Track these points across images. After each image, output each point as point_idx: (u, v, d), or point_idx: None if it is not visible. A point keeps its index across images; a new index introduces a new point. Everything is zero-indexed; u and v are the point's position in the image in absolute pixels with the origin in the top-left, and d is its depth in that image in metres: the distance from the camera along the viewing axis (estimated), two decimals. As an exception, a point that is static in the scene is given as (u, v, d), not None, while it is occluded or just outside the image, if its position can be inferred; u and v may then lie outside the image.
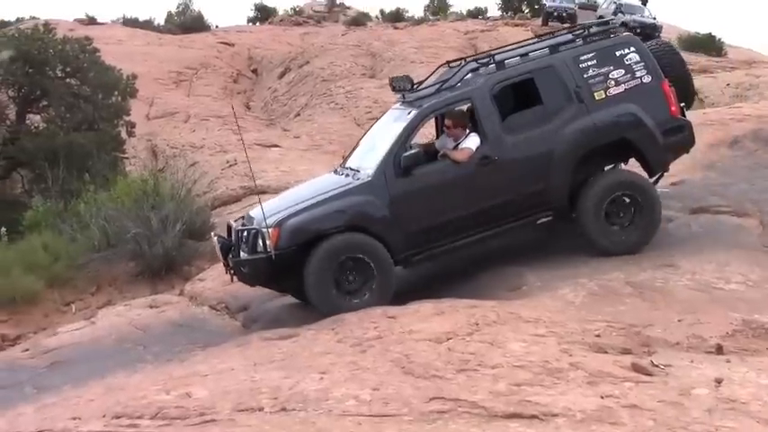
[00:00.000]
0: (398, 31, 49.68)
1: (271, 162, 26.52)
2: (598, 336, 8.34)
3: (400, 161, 11.17)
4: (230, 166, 27.13)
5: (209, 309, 13.25)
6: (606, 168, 12.03)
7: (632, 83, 11.65)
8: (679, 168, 13.42)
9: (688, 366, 7.55)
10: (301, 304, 12.30)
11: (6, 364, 12.97)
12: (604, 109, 11.53)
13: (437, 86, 12.17)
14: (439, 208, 11.30)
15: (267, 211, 11.26)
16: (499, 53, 12.38)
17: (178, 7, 69.49)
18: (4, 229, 21.56)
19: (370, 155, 11.90)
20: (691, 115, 12.92)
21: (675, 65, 12.56)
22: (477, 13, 66.21)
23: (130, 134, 32.27)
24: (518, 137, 11.49)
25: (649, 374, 7.29)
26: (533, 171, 11.39)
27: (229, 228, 12.11)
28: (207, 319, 13.07)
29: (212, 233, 12.42)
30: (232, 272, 11.68)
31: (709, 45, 46.49)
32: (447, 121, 11.88)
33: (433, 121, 12.69)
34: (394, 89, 12.43)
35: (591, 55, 11.70)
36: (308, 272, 10.81)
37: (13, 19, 61.95)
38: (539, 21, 50.98)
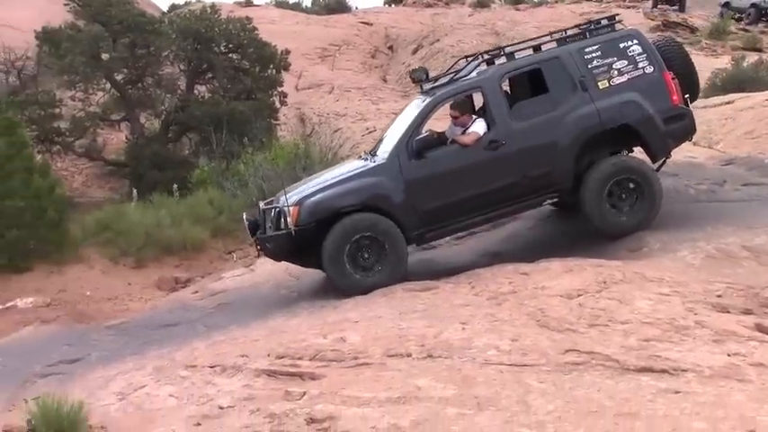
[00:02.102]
0: (520, 13, 48.98)
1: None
2: (719, 296, 8.01)
3: (413, 145, 10.99)
4: (369, 132, 27.10)
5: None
6: (610, 154, 11.59)
7: (635, 73, 11.28)
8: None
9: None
10: (435, 258, 12.14)
11: (180, 304, 13.16)
12: (607, 97, 11.16)
13: (450, 77, 11.93)
14: (450, 189, 10.99)
15: (292, 193, 11.26)
16: (510, 47, 12.12)
17: (324, -9, 69.53)
18: (175, 185, 21.83)
19: (388, 141, 11.68)
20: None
21: (680, 59, 12.16)
22: (592, -5, 64.93)
23: (283, 103, 32.46)
24: (525, 123, 11.18)
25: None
26: (539, 155, 11.07)
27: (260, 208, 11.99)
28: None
29: (244, 213, 12.25)
30: (258, 247, 11.59)
31: None
32: (453, 111, 11.58)
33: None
34: (413, 81, 12.31)
35: (596, 47, 11.36)
36: (325, 249, 10.65)
37: (182, 2, 62.93)
38: (648, 3, 49.54)
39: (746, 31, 41.50)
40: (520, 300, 8.33)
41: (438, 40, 43.33)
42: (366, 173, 11.26)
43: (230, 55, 32.25)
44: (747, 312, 7.66)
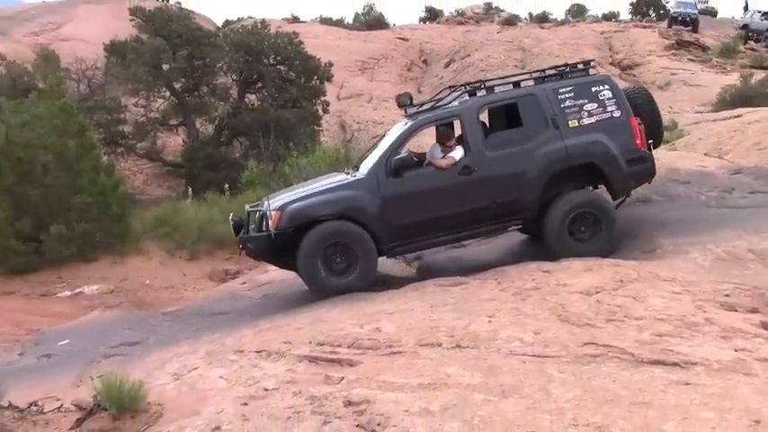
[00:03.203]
0: (544, 31, 48.88)
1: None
2: (727, 295, 7.92)
3: (392, 163, 10.95)
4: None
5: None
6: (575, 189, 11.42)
7: (603, 116, 11.15)
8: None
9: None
10: (464, 256, 12.11)
11: (230, 294, 13.23)
12: (576, 136, 11.03)
13: (432, 104, 11.96)
14: (422, 207, 10.91)
15: (276, 199, 11.26)
16: (491, 81, 12.13)
17: (364, 9, 69.80)
18: (227, 185, 21.93)
19: (371, 158, 11.58)
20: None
21: (648, 106, 12.06)
22: (610, 17, 64.65)
23: (325, 111, 32.65)
24: (498, 152, 11.07)
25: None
26: (508, 183, 10.95)
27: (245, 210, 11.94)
28: (387, 267, 12.95)
29: (231, 214, 12.22)
30: (241, 246, 11.49)
31: None
32: (442, 137, 11.55)
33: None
34: (399, 105, 12.21)
35: (569, 88, 11.26)
36: (301, 252, 10.59)
37: (235, 18, 63.25)
38: (664, 23, 49.22)
39: (754, 50, 41.18)
40: (542, 295, 8.28)
41: (469, 54, 43.35)
42: (345, 186, 11.21)
43: (278, 66, 32.48)
44: (754, 311, 7.55)
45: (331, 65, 33.31)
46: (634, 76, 38.28)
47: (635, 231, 11.79)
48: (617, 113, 11.15)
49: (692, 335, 6.72)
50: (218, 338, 9.13)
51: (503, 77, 13.11)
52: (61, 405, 6.62)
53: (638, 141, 11.11)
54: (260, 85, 32.86)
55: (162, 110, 33.15)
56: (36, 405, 6.60)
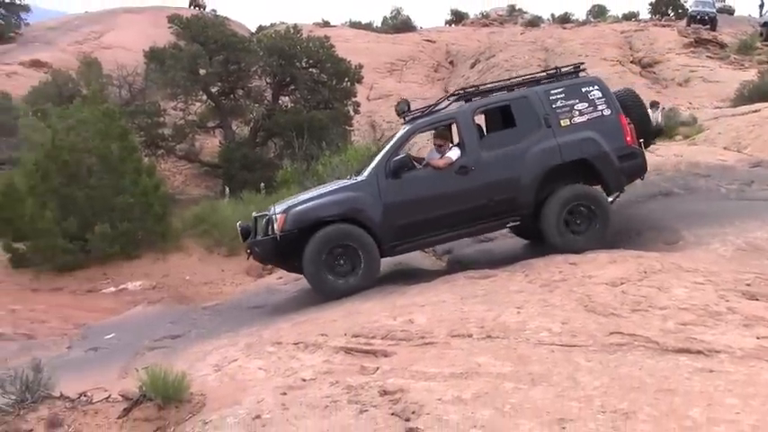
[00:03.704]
0: (567, 31, 48.56)
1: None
2: (749, 285, 7.82)
3: (391, 165, 10.91)
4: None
5: (420, 251, 13.08)
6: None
7: (594, 114, 11.16)
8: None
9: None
10: (493, 249, 12.06)
11: (267, 288, 13.25)
12: (568, 134, 11.03)
13: (430, 108, 11.99)
14: (421, 207, 10.89)
15: (281, 204, 11.30)
16: (485, 85, 12.16)
17: (391, 13, 69.52)
18: (262, 184, 21.99)
19: (373, 162, 11.53)
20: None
21: (637, 108, 12.09)
22: (630, 16, 64.09)
23: (356, 112, 32.70)
24: (493, 152, 11.06)
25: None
26: (504, 182, 10.93)
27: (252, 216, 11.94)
28: (418, 261, 12.96)
29: (238, 222, 12.21)
30: (249, 251, 11.50)
31: None
32: (436, 140, 11.57)
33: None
34: (398, 113, 12.25)
35: (560, 90, 11.28)
36: (305, 255, 10.58)
37: (268, 23, 63.41)
38: (683, 22, 48.79)
39: (772, 47, 40.78)
40: (569, 287, 8.23)
41: (494, 55, 43.18)
42: (347, 188, 11.24)
43: (310, 69, 32.54)
44: (774, 300, 7.50)
45: (361, 67, 33.33)
46: (654, 73, 38.00)
47: (658, 224, 11.73)
48: (607, 112, 11.15)
49: (715, 323, 6.66)
50: (256, 331, 9.16)
51: (496, 82, 13.12)
52: (109, 396, 6.65)
53: (628, 138, 11.10)
54: (293, 87, 32.95)
55: (199, 113, 33.35)
56: (85, 396, 6.63)
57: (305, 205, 10.95)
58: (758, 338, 6.18)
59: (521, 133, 11.09)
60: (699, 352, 6.01)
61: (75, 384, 7.11)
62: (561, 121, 11.06)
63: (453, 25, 68.30)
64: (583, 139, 10.96)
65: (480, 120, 12.09)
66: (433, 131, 11.66)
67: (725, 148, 18.71)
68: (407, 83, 42.99)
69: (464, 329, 7.18)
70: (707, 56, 39.29)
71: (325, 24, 59.56)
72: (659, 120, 24.17)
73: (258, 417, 5.78)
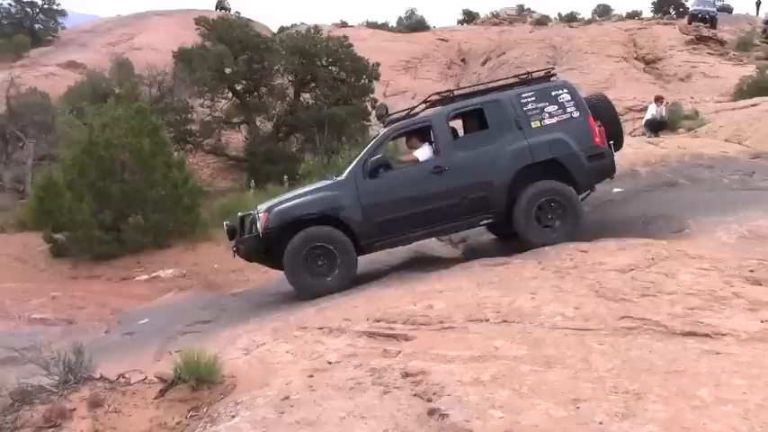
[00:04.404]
0: (573, 30, 48.25)
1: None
2: (752, 271, 7.75)
3: (368, 165, 10.88)
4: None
5: (437, 239, 13.07)
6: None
7: (563, 116, 11.07)
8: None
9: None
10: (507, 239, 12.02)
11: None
12: (538, 135, 10.95)
13: (407, 112, 12.05)
14: (398, 205, 10.84)
15: (265, 203, 11.30)
16: (460, 90, 12.16)
17: (406, 13, 69.26)
18: (285, 177, 21.98)
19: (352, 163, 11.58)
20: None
21: (607, 111, 11.91)
22: (634, 15, 63.75)
23: (374, 107, 32.52)
24: (466, 153, 11.02)
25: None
26: (477, 181, 10.87)
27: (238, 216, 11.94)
28: (435, 249, 12.95)
29: (225, 222, 12.20)
30: (234, 249, 11.49)
31: None
32: (407, 142, 11.79)
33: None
34: (377, 117, 12.44)
35: (531, 93, 11.22)
36: (285, 255, 10.57)
37: (288, 24, 63.40)
38: (684, 21, 48.45)
39: (768, 43, 40.53)
40: (581, 273, 8.20)
41: (504, 53, 43.03)
42: (326, 188, 11.22)
43: (330, 68, 32.50)
44: (777, 285, 7.45)
45: (378, 65, 33.24)
46: (657, 69, 37.82)
47: (664, 213, 11.67)
48: (576, 114, 11.07)
49: (720, 308, 6.63)
50: (282, 316, 9.16)
51: (472, 86, 13.17)
52: (145, 377, 6.67)
53: (597, 139, 11.00)
54: (314, 85, 32.91)
55: (225, 109, 33.37)
56: (124, 377, 6.66)
57: (286, 204, 10.96)
58: (762, 322, 6.15)
59: (493, 135, 11.04)
60: (706, 335, 5.99)
61: (114, 366, 7.15)
62: (532, 123, 10.99)
63: (465, 24, 68.02)
64: (552, 139, 10.89)
65: (460, 123, 12.10)
66: (407, 135, 11.68)
67: (726, 141, 18.63)
68: (422, 80, 42.86)
69: (481, 314, 7.17)
70: (707, 52, 39.06)
71: (344, 25, 59.43)
72: (663, 114, 24.09)
73: (287, 398, 5.79)
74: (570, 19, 63.58)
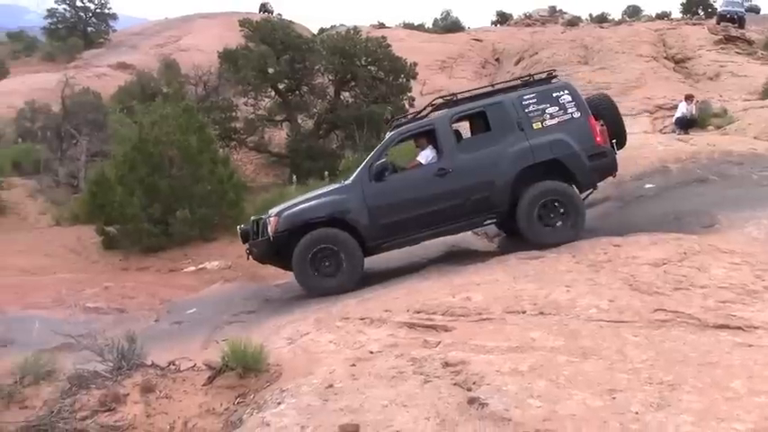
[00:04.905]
0: (604, 30, 47.63)
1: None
2: (783, 265, 7.67)
3: (374, 169, 10.84)
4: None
5: (473, 233, 13.01)
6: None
7: (564, 117, 10.91)
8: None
9: None
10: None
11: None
12: (540, 136, 10.81)
13: (412, 116, 12.03)
14: (403, 207, 10.80)
15: (277, 207, 11.35)
16: (463, 93, 11.87)
17: (441, 14, 69.35)
18: (326, 172, 22.04)
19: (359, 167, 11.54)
20: None
21: (610, 111, 11.70)
22: (663, 16, 63.06)
23: (411, 106, 32.46)
24: (470, 155, 10.94)
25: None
26: (480, 182, 10.78)
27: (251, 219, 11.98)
28: (471, 242, 12.89)
29: (239, 225, 12.23)
30: (248, 252, 11.54)
31: None
32: (415, 143, 11.77)
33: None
34: (385, 122, 12.23)
35: (533, 95, 11.08)
36: (294, 256, 10.61)
37: (328, 26, 63.51)
38: (712, 21, 47.79)
39: (794, 43, 39.89)
40: (614, 267, 8.14)
41: (536, 53, 42.67)
42: (334, 192, 11.26)
43: (369, 67, 32.52)
44: (808, 279, 7.34)
45: (415, 64, 33.21)
46: (687, 68, 37.32)
47: (695, 208, 11.54)
48: (576, 115, 10.93)
49: (752, 301, 6.58)
50: (324, 307, 9.18)
51: (474, 89, 13.00)
52: (194, 365, 6.73)
53: (598, 139, 10.86)
54: (353, 83, 32.94)
55: (268, 108, 33.52)
56: (174, 364, 6.72)
57: (296, 208, 11.02)
58: (793, 315, 6.08)
59: (495, 137, 10.97)
60: (738, 328, 5.95)
61: (163, 354, 7.22)
62: (533, 125, 10.89)
63: (499, 25, 67.67)
64: (553, 140, 10.76)
65: (466, 125, 12.07)
66: (414, 138, 11.65)
67: (755, 138, 18.38)
68: (457, 79, 42.65)
69: (518, 306, 7.15)
70: (735, 52, 38.48)
71: (381, 26, 59.35)
72: (693, 112, 23.81)
73: (330, 386, 5.81)
74: (601, 20, 63.05)
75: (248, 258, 11.79)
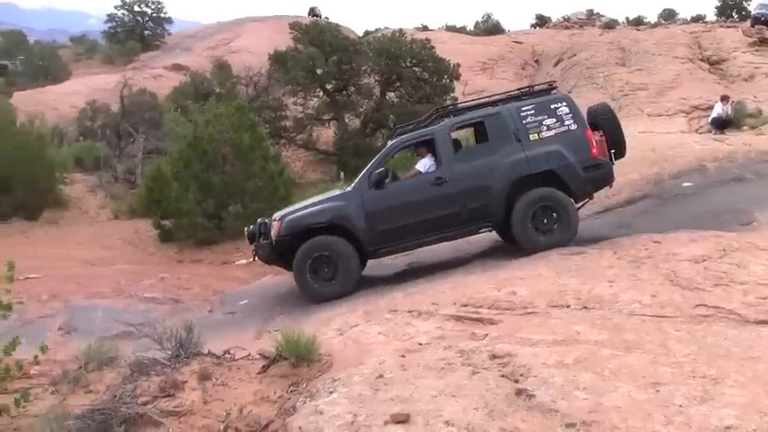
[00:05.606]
0: (640, 32, 47.03)
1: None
2: (821, 263, 7.52)
3: (374, 177, 10.81)
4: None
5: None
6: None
7: (561, 129, 10.73)
8: None
9: None
10: (581, 231, 11.83)
11: (378, 263, 13.11)
12: (536, 147, 10.66)
13: (413, 125, 11.87)
14: (401, 214, 10.73)
15: (282, 212, 11.42)
16: (462, 103, 11.90)
17: (483, 17, 69.06)
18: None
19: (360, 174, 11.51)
20: None
21: (609, 121, 11.41)
22: (698, 19, 62.13)
23: (454, 107, 32.45)
24: (467, 165, 10.84)
25: None
26: (477, 191, 10.67)
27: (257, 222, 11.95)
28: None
29: (246, 227, 12.20)
30: (254, 253, 11.60)
31: None
32: (416, 151, 11.66)
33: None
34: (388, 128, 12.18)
35: (531, 106, 10.91)
36: (294, 262, 10.65)
37: (373, 28, 63.54)
38: (747, 23, 46.95)
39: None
40: (655, 263, 8.04)
41: (575, 54, 42.21)
42: (335, 198, 11.26)
43: (414, 68, 32.55)
44: None
45: (458, 66, 33.16)
46: (722, 70, 36.71)
47: (733, 206, 11.38)
48: (573, 127, 10.77)
49: (792, 298, 6.44)
50: (372, 300, 9.20)
51: (475, 99, 12.94)
52: (248, 354, 6.76)
53: (594, 151, 10.68)
54: (398, 84, 33.00)
55: (316, 107, 33.67)
56: (229, 353, 6.76)
57: (297, 213, 11.06)
58: (834, 312, 5.96)
59: (493, 147, 10.87)
60: (779, 324, 5.83)
61: (218, 343, 7.26)
62: (530, 136, 10.78)
63: (538, 28, 67.12)
64: (549, 151, 10.63)
65: (468, 134, 12.14)
66: (415, 146, 11.60)
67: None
68: (498, 79, 42.42)
69: (562, 300, 7.09)
70: (770, 53, 37.82)
71: (424, 29, 59.27)
72: (729, 112, 23.45)
73: (381, 376, 5.80)
74: (637, 22, 62.37)
75: (254, 259, 11.95)
